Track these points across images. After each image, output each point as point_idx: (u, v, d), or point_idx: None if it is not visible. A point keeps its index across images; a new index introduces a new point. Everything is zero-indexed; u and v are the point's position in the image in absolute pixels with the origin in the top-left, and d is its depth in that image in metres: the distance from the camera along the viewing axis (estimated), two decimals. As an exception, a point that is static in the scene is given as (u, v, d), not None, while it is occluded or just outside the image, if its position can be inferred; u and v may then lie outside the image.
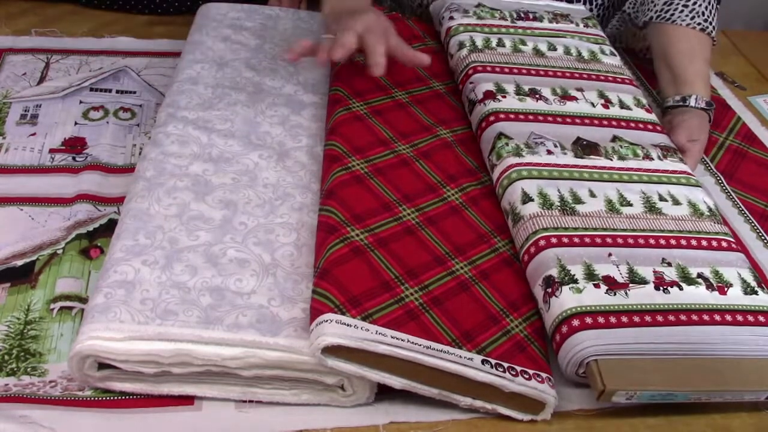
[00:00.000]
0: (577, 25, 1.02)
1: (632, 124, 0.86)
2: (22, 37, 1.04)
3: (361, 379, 0.61)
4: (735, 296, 0.69)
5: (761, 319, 0.68)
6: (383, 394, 0.63)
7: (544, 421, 0.63)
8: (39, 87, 0.95)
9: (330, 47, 0.81)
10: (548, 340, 0.66)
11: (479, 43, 0.95)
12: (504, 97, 0.86)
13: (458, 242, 0.71)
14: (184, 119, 0.82)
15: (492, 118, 0.83)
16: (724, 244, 0.74)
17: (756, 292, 0.70)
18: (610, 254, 0.70)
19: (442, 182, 0.78)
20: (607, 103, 0.89)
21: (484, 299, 0.67)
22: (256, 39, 0.98)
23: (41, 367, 0.64)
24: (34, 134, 0.88)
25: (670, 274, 0.69)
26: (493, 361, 0.62)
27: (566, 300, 0.65)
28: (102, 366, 0.61)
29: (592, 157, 0.80)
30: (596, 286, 0.67)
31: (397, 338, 0.60)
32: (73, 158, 0.85)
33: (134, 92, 0.97)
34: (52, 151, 0.86)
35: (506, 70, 0.91)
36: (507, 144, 0.80)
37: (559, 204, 0.74)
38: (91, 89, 0.96)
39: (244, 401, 0.62)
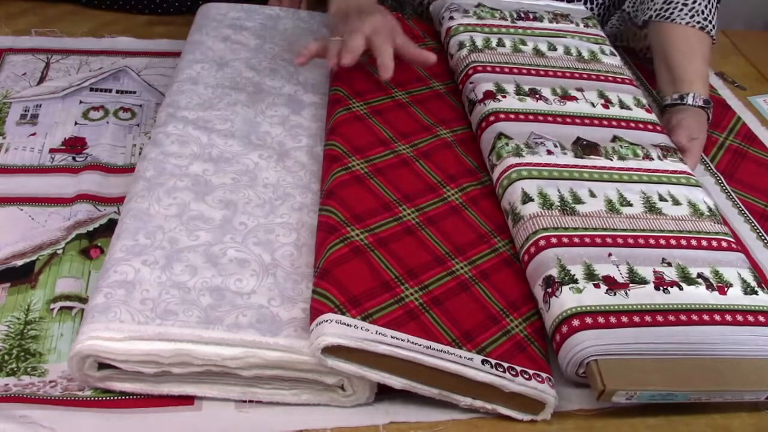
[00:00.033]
0: (577, 25, 1.02)
1: (632, 124, 0.86)
2: (22, 37, 1.04)
3: (361, 379, 0.61)
4: (735, 296, 0.69)
5: (761, 319, 0.68)
6: (383, 394, 0.63)
7: (544, 421, 0.63)
8: (39, 87, 0.95)
9: (339, 52, 0.80)
10: (548, 340, 0.66)
11: (479, 43, 0.95)
12: (504, 97, 0.86)
13: (458, 242, 0.71)
14: (184, 119, 0.82)
15: (492, 118, 0.83)
16: (724, 244, 0.74)
17: (756, 292, 0.70)
18: (610, 254, 0.70)
19: (442, 182, 0.78)
20: (607, 103, 0.89)
21: (484, 299, 0.67)
22: (256, 39, 0.98)
23: (41, 367, 0.64)
24: (34, 134, 0.88)
25: (670, 274, 0.69)
26: (493, 361, 0.62)
27: (566, 300, 0.65)
28: (102, 366, 0.61)
29: (592, 157, 0.80)
30: (596, 286, 0.67)
31: (397, 338, 0.60)
32: (73, 158, 0.85)
33: (134, 92, 0.97)
34: (52, 151, 0.86)
35: (506, 70, 0.91)
36: (507, 144, 0.80)
37: (559, 204, 0.74)
38: (91, 89, 0.96)
39: (244, 401, 0.62)
